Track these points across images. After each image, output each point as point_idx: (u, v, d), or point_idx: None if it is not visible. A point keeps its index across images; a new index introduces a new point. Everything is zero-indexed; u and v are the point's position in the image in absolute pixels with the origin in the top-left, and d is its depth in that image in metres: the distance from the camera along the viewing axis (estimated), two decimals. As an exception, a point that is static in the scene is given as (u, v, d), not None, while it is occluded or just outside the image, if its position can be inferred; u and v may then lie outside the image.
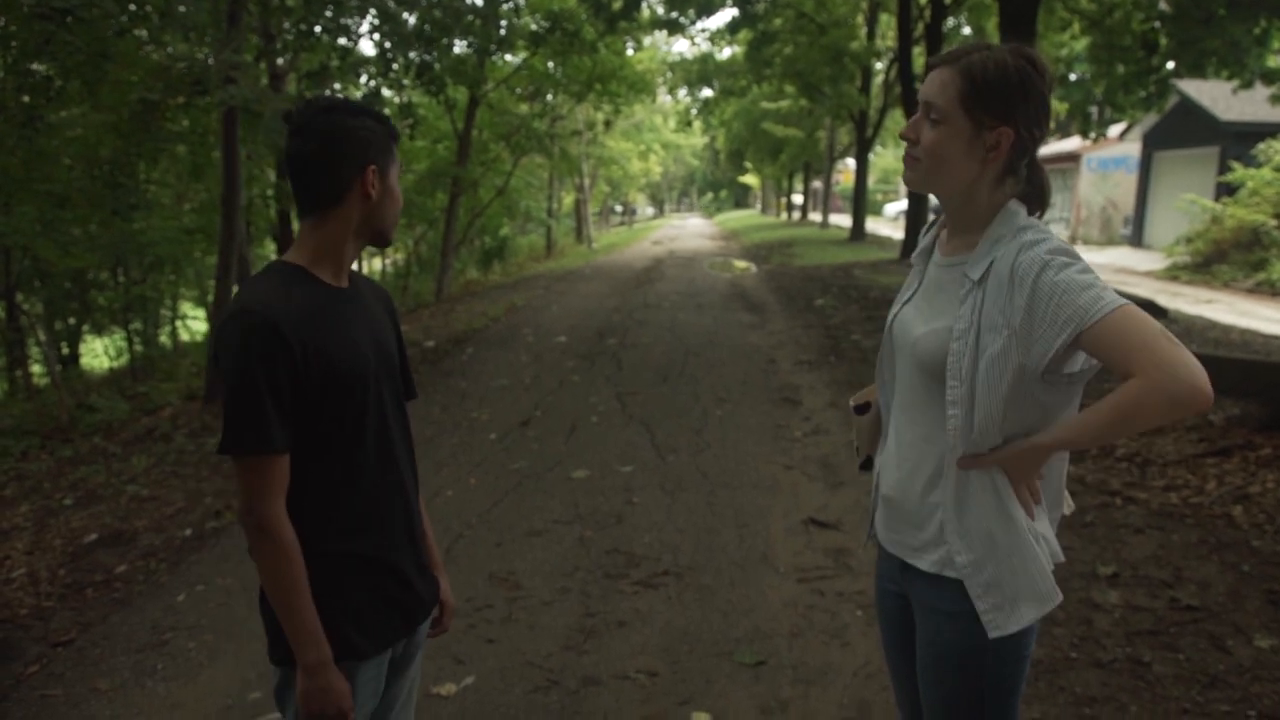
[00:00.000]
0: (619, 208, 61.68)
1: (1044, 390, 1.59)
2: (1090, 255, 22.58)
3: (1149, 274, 18.33)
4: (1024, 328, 1.52)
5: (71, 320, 13.84)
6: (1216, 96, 20.42)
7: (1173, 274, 17.90)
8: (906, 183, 1.74)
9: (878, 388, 1.92)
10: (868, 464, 1.99)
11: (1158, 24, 13.29)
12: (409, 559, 1.85)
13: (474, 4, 10.84)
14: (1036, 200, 1.70)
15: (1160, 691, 3.15)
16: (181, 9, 7.42)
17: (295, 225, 12.46)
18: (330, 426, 1.68)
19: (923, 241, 1.87)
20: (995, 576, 1.62)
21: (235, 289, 9.04)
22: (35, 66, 7.09)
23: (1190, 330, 10.37)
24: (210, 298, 14.63)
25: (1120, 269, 19.30)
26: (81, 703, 3.36)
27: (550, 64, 16.58)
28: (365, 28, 10.62)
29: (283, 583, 1.61)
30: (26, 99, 7.35)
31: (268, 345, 1.56)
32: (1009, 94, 1.59)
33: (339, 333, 1.69)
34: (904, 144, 1.70)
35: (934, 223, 1.89)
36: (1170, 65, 13.96)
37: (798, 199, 49.84)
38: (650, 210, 78.96)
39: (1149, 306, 11.22)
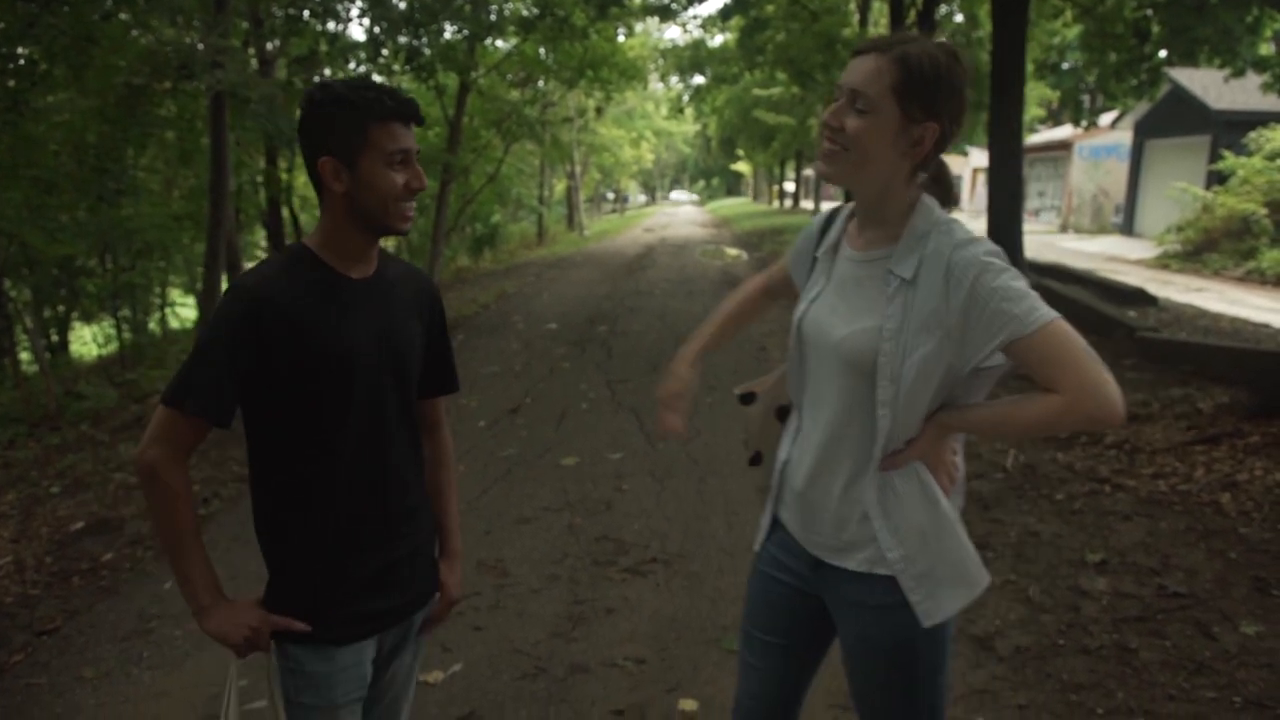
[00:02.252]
0: (611, 195, 61.55)
1: (957, 381, 1.63)
2: (1081, 244, 22.65)
3: (1140, 262, 18.36)
4: (958, 329, 1.53)
5: (60, 308, 13.73)
6: (1208, 85, 20.42)
7: (1163, 262, 17.93)
8: (824, 176, 1.67)
9: (787, 386, 1.86)
10: (757, 459, 1.95)
11: (1150, 12, 13.24)
12: (390, 553, 1.80)
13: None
14: (944, 196, 1.70)
15: (1147, 678, 3.15)
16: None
17: (285, 212, 12.40)
18: (307, 410, 1.66)
19: (830, 236, 1.82)
20: (927, 568, 1.64)
21: (224, 276, 8.99)
22: (19, 50, 7.02)
23: (1180, 318, 10.39)
24: (199, 285, 14.55)
25: (1111, 257, 19.32)
26: (67, 691, 3.35)
27: (541, 50, 16.47)
28: (354, 12, 10.57)
29: (164, 527, 1.64)
30: (11, 84, 7.27)
31: (243, 321, 1.57)
32: (939, 88, 1.57)
33: (333, 319, 1.66)
34: (825, 132, 1.63)
35: (833, 217, 1.86)
36: (1162, 53, 13.94)
37: (790, 187, 49.76)
38: (642, 197, 78.82)
39: (1139, 295, 11.25)
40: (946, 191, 1.71)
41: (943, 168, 1.70)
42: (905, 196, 1.65)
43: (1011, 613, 3.65)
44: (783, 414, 1.90)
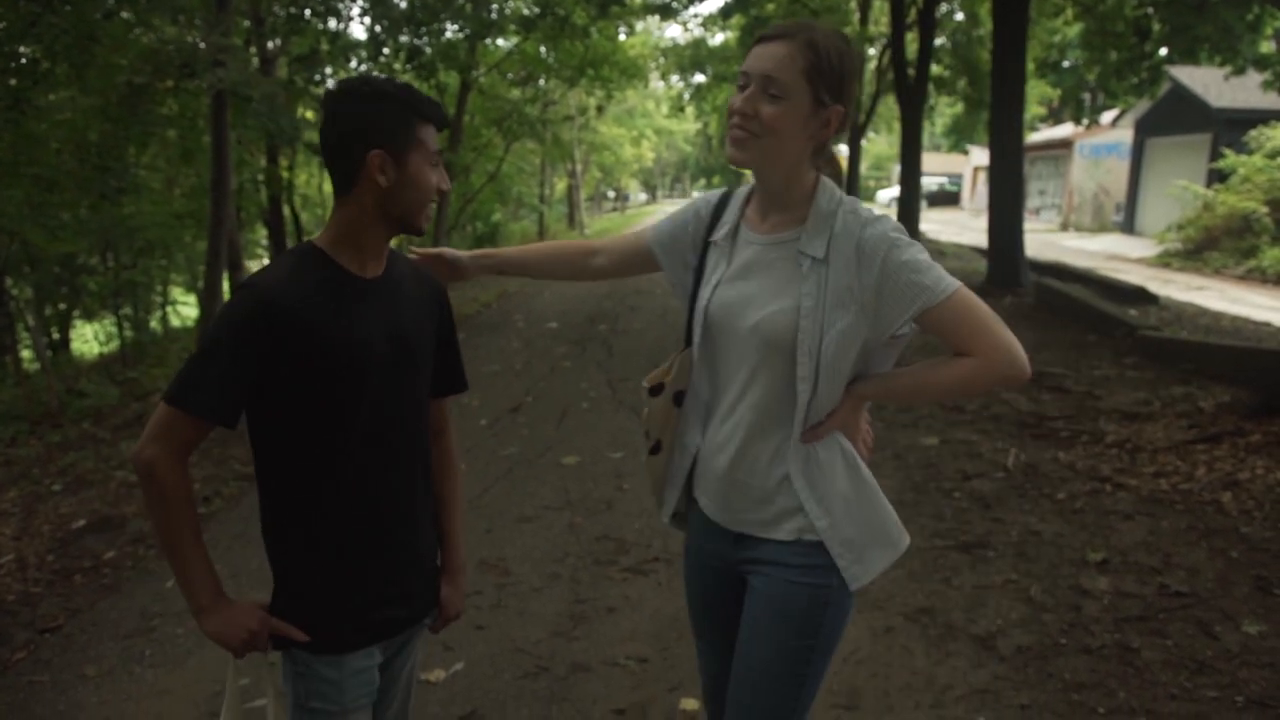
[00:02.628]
0: (611, 194, 61.50)
1: (872, 352, 1.72)
2: (1082, 242, 22.64)
3: (1140, 260, 18.36)
4: (872, 303, 1.61)
5: (61, 306, 13.72)
6: (1209, 83, 20.42)
7: (1164, 260, 17.93)
8: (736, 162, 1.69)
9: (691, 373, 1.88)
10: (658, 448, 1.97)
11: (1150, 10, 13.24)
12: (398, 556, 1.78)
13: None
14: (836, 176, 1.77)
15: (1149, 677, 3.16)
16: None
17: (286, 210, 12.38)
18: (317, 411, 1.64)
19: (725, 221, 1.84)
20: (853, 533, 1.71)
21: (226, 274, 8.99)
22: (21, 49, 7.01)
23: (1181, 317, 10.39)
24: (200, 283, 14.57)
25: (1112, 255, 19.32)
26: (69, 689, 3.35)
27: (542, 49, 16.47)
28: (355, 11, 10.56)
29: (163, 527, 1.60)
30: (13, 82, 7.27)
31: (251, 322, 1.55)
32: (845, 73, 1.63)
33: (343, 320, 1.63)
34: (735, 119, 1.64)
35: (724, 201, 1.89)
36: (1163, 51, 13.94)
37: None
38: (643, 196, 78.81)
39: (1140, 294, 11.25)
40: (837, 172, 1.78)
41: (831, 150, 1.76)
42: (808, 178, 1.71)
43: (1013, 612, 3.66)
44: (679, 399, 1.91)
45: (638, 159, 46.79)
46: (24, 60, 6.93)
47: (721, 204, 1.90)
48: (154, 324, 15.77)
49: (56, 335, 14.07)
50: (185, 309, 17.58)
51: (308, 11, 9.47)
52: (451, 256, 2.06)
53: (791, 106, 1.60)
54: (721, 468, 1.79)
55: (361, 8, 9.87)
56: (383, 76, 1.68)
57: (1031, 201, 30.14)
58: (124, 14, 7.35)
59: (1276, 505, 4.46)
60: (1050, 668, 3.25)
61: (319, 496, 1.67)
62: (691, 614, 2.03)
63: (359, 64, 11.46)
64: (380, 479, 1.73)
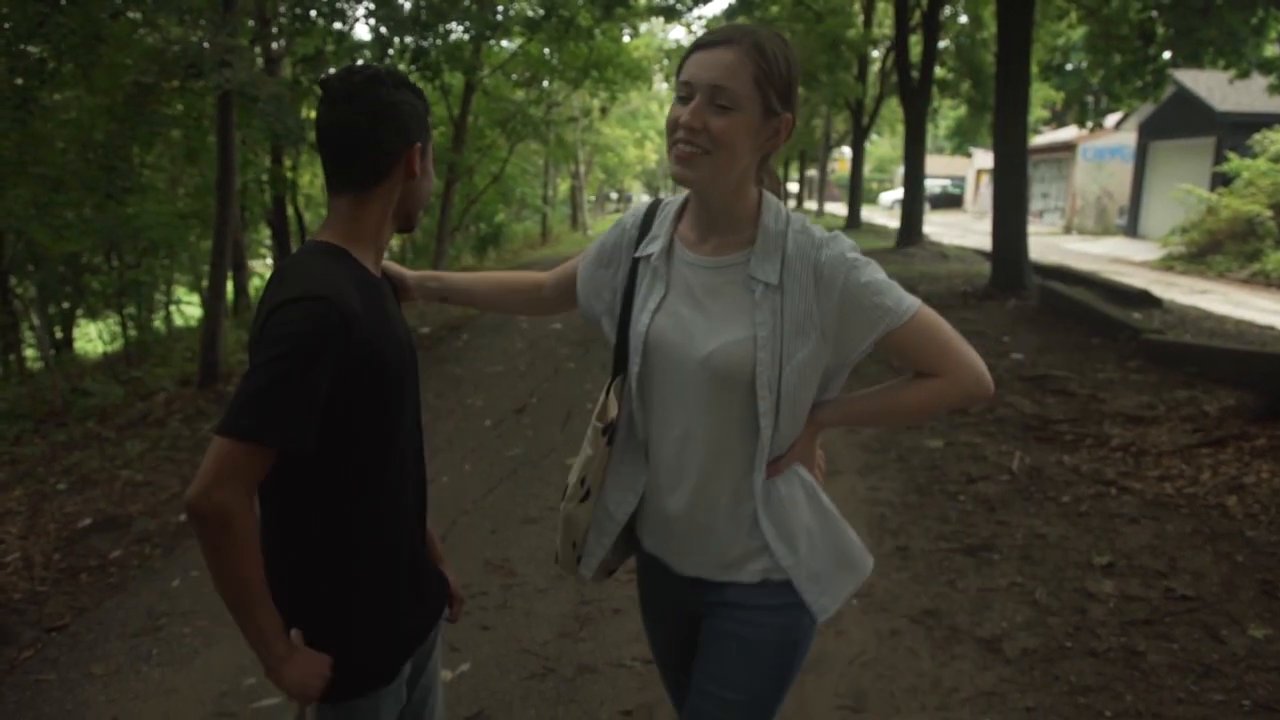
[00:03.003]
0: (614, 195, 61.57)
1: (829, 377, 1.65)
2: (1085, 245, 22.64)
3: (1144, 264, 18.35)
4: (833, 329, 1.54)
5: (65, 304, 13.75)
6: (1212, 86, 20.43)
7: (1168, 264, 17.92)
8: (684, 180, 1.54)
9: (633, 407, 1.70)
10: (588, 494, 1.78)
11: (1155, 13, 13.26)
12: (422, 560, 1.74)
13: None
14: (775, 189, 1.67)
15: (1155, 681, 3.16)
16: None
17: (290, 210, 12.36)
18: (365, 426, 1.53)
19: (654, 238, 1.70)
20: (820, 566, 1.64)
21: (230, 274, 9.00)
22: (28, 49, 7.03)
23: (1184, 320, 10.39)
24: (205, 283, 14.58)
25: (1115, 259, 19.32)
26: (76, 688, 3.35)
27: (546, 50, 16.49)
28: (360, 12, 10.57)
29: (235, 577, 1.42)
30: (19, 81, 7.29)
31: (333, 339, 1.41)
32: (793, 78, 1.54)
33: (388, 327, 1.56)
34: (680, 134, 1.50)
35: (653, 211, 1.76)
36: (1167, 55, 13.95)
37: (793, 187, 49.78)
38: (645, 197, 78.89)
39: (1144, 297, 11.25)
40: (776, 185, 1.68)
41: (771, 163, 1.67)
42: (753, 195, 1.61)
43: (1018, 615, 3.66)
44: (610, 435, 1.72)
45: (641, 160, 46.82)
46: (31, 60, 6.94)
47: (650, 215, 1.76)
48: (158, 323, 15.80)
49: (60, 334, 14.10)
50: (189, 308, 17.62)
51: (313, 12, 9.49)
52: (395, 274, 1.86)
53: (742, 118, 1.48)
54: (674, 509, 1.66)
55: (367, 9, 9.89)
56: (383, 68, 1.58)
57: (1034, 204, 30.13)
58: (131, 14, 7.35)
59: (1282, 509, 4.46)
60: (1056, 671, 3.25)
61: (355, 523, 1.56)
62: (657, 656, 1.96)
63: (364, 64, 11.43)
64: (412, 492, 1.67)
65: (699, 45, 1.53)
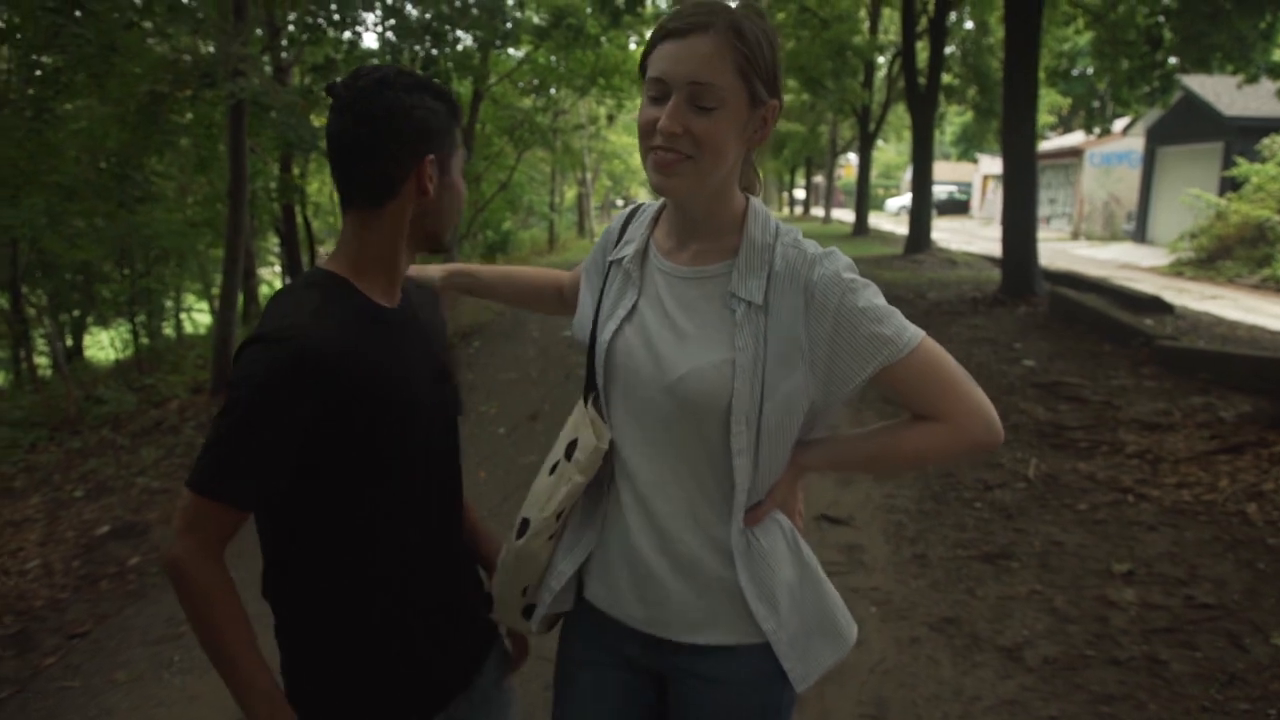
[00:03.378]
0: (620, 201, 61.71)
1: (816, 414, 1.45)
2: (1093, 251, 22.62)
3: (1153, 270, 18.31)
4: (824, 360, 1.34)
5: (75, 313, 13.83)
6: (1220, 92, 20.39)
7: (1177, 270, 17.88)
8: (666, 191, 1.35)
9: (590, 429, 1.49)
10: (525, 527, 1.53)
11: (1162, 19, 13.25)
12: (442, 613, 1.54)
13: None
14: (750, 186, 1.48)
15: (1179, 690, 3.15)
16: (187, 1, 7.41)
17: (300, 219, 12.41)
18: (347, 475, 1.38)
19: (630, 240, 1.53)
20: (800, 628, 1.44)
21: (243, 279, 9.03)
22: (42, 59, 7.07)
23: (1197, 326, 10.36)
24: (215, 290, 14.64)
25: (1124, 264, 19.28)
26: (99, 694, 3.37)
27: (553, 58, 16.55)
28: (370, 20, 10.64)
29: (201, 630, 1.33)
30: (32, 91, 7.33)
31: (293, 386, 1.27)
32: (777, 59, 1.35)
33: (389, 364, 1.39)
34: (658, 140, 1.31)
35: (631, 217, 1.60)
36: (1174, 60, 13.93)
37: (800, 194, 49.80)
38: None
39: (1155, 303, 11.22)
40: (754, 182, 1.50)
41: (752, 157, 1.48)
42: (738, 199, 1.42)
43: (1038, 623, 3.65)
44: (570, 453, 1.50)
45: (647, 167, 46.97)
46: (46, 70, 6.98)
47: (628, 220, 1.59)
48: (168, 330, 15.88)
49: (71, 342, 14.17)
50: (198, 315, 17.71)
51: (323, 21, 9.53)
52: (421, 276, 1.72)
53: (727, 114, 1.29)
54: (636, 557, 1.44)
55: (378, 18, 9.94)
56: (400, 68, 1.41)
57: (1041, 210, 30.04)
58: (143, 24, 7.40)
59: (1301, 516, 4.45)
60: (1078, 679, 3.25)
61: (364, 572, 1.43)
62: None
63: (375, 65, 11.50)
64: (431, 542, 1.52)
65: (667, 34, 1.31)
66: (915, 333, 1.35)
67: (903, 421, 1.43)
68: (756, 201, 1.44)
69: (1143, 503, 4.82)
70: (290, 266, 14.75)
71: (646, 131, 1.33)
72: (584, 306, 1.59)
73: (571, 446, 1.48)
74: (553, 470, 1.52)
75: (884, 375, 1.34)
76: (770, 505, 1.44)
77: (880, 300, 1.35)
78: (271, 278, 18.53)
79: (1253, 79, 13.03)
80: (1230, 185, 18.61)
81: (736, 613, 1.41)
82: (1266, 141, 18.11)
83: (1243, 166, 17.79)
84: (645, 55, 1.36)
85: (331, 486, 1.38)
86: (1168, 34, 13.34)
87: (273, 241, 17.09)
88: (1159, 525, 4.53)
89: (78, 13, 6.08)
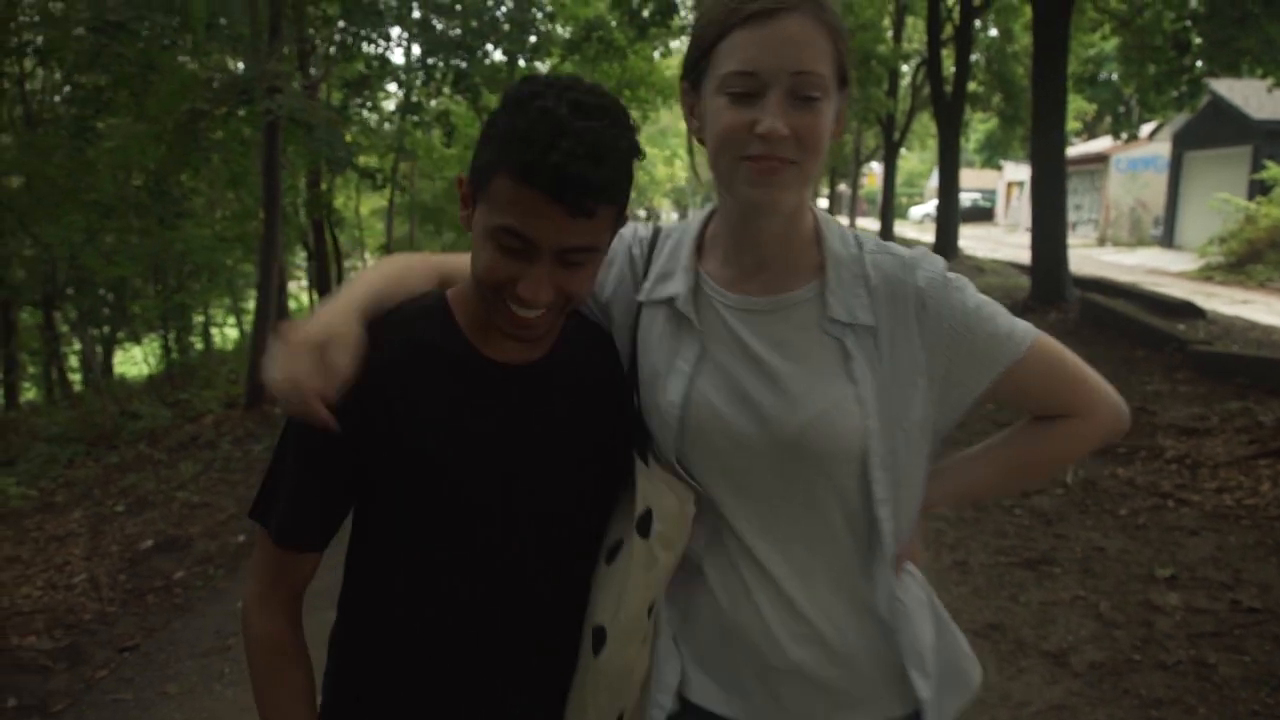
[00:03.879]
0: (642, 212, 61.93)
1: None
2: (1120, 256, 22.45)
3: (1182, 274, 18.15)
4: (942, 373, 1.19)
5: (106, 328, 14.03)
6: (1248, 95, 20.22)
7: (1206, 274, 17.71)
8: (769, 206, 1.15)
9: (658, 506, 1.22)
10: (602, 636, 1.23)
11: (1189, 23, 13.17)
12: (467, 694, 1.26)
13: (508, 13, 10.93)
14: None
15: (1228, 693, 3.13)
16: (223, 21, 7.54)
17: (329, 235, 12.46)
18: (394, 528, 1.22)
19: (672, 272, 1.27)
20: (943, 685, 1.25)
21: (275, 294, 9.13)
22: (82, 79, 7.21)
23: (1230, 331, 10.27)
24: (244, 305, 14.82)
25: (1152, 270, 19.13)
26: (152, 707, 3.42)
27: (579, 70, 16.68)
28: (397, 33, 10.74)
29: (256, 684, 1.23)
30: (73, 110, 7.47)
31: (306, 424, 1.11)
32: (848, 41, 1.17)
33: (446, 423, 1.17)
34: (758, 147, 1.10)
35: (653, 246, 1.33)
36: (1202, 64, 13.83)
37: (823, 203, 49.83)
38: (675, 215, 79.33)
39: (1187, 308, 11.14)
40: None
41: None
42: (809, 210, 1.25)
43: (1083, 629, 3.64)
44: (644, 528, 1.21)
45: (670, 178, 47.07)
46: (86, 89, 7.13)
47: (652, 248, 1.33)
48: (198, 344, 16.05)
49: (102, 357, 14.36)
50: (228, 330, 17.90)
51: (352, 38, 9.66)
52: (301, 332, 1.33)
53: (828, 106, 1.12)
54: (761, 641, 1.22)
55: (411, 34, 10.05)
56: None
57: (1068, 217, 29.96)
58: (180, 42, 7.54)
59: (1345, 521, 4.41)
60: (1126, 684, 3.23)
61: (379, 636, 1.26)
62: None
63: (399, 87, 11.68)
64: (487, 648, 1.24)
65: (745, 18, 1.10)
66: (1028, 327, 1.21)
67: (1023, 429, 1.30)
68: (822, 211, 1.27)
69: (1183, 507, 4.79)
70: (320, 281, 14.87)
71: (735, 138, 1.11)
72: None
73: (645, 520, 1.20)
74: (613, 556, 1.25)
75: (1004, 379, 1.20)
76: (906, 554, 1.25)
77: (985, 297, 1.22)
78: (298, 291, 18.70)
79: (1281, 82, 12.92)
80: (1259, 189, 18.43)
81: (887, 685, 1.22)
82: (1295, 144, 17.97)
83: (1272, 170, 17.63)
84: (707, 48, 1.14)
85: (370, 522, 1.24)
86: (1195, 38, 13.26)
87: (300, 256, 17.26)
88: (1201, 530, 4.50)
89: (119, 33, 6.20)
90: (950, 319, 1.17)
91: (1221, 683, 3.20)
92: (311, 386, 1.06)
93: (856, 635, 1.22)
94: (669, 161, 42.48)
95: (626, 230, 1.33)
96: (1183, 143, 23.91)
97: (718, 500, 1.23)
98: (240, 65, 8.44)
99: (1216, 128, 22.01)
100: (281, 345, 1.09)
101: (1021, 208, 28.07)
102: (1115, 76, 16.43)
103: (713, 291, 1.24)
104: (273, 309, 8.83)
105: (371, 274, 1.27)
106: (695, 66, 1.18)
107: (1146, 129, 22.91)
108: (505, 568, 1.21)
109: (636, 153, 1.10)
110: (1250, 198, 18.59)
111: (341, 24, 9.65)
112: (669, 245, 1.31)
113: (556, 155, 1.01)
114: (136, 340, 14.74)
